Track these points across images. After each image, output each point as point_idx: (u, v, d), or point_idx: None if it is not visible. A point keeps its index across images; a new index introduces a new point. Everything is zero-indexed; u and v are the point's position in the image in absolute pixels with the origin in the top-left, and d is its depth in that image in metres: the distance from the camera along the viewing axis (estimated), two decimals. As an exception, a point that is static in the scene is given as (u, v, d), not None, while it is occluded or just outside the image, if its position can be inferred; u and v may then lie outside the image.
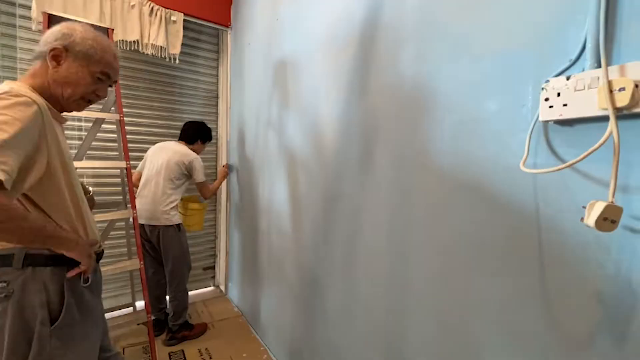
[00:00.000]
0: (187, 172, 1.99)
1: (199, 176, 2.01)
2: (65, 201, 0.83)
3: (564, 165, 0.62)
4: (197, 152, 2.09)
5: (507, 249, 0.76)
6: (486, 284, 0.80)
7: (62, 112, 0.90)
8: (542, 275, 0.69)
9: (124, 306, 2.14)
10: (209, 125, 2.66)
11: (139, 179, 2.02)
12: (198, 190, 2.09)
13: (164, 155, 1.97)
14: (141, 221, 1.92)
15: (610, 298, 0.60)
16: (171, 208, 1.93)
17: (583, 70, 0.61)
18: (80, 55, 0.85)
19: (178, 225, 1.97)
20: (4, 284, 0.75)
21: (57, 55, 0.83)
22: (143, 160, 2.06)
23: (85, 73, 0.86)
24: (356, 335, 1.22)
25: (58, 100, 0.86)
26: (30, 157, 0.72)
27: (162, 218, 1.90)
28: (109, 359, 1.02)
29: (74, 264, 0.84)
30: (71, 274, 0.83)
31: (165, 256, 1.95)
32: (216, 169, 2.67)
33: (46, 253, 0.80)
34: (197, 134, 2.11)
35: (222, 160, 2.61)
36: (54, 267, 0.80)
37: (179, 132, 2.47)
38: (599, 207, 0.53)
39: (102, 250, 0.98)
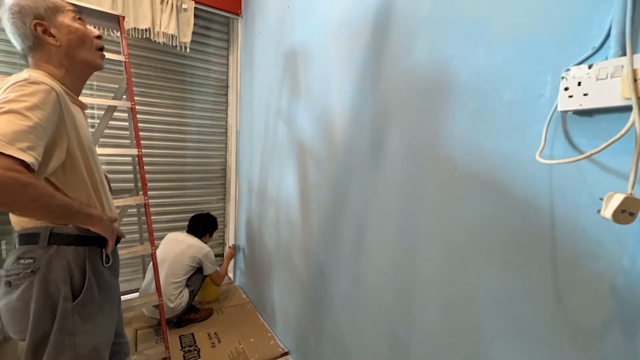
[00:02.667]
0: (198, 265, 2.04)
1: (211, 267, 2.10)
2: (85, 184, 0.85)
3: (582, 156, 0.61)
4: (206, 243, 2.17)
5: (519, 242, 0.75)
6: (496, 277, 0.80)
7: (80, 94, 0.92)
8: (554, 268, 0.69)
9: (135, 290, 2.21)
10: (219, 115, 2.67)
11: None
12: (210, 280, 2.17)
13: (176, 247, 2.02)
14: None
15: (624, 292, 0.59)
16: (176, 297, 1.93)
17: (606, 58, 0.59)
18: (49, 12, 0.82)
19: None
20: (31, 260, 0.78)
21: (44, 28, 0.81)
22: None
23: (70, 22, 0.84)
24: (362, 324, 1.24)
25: (82, 71, 0.88)
26: (52, 142, 0.74)
27: (167, 301, 1.87)
28: (121, 344, 1.05)
29: (95, 244, 0.87)
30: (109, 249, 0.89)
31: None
32: (225, 158, 2.69)
33: (69, 232, 0.83)
34: (205, 228, 2.24)
35: (232, 151, 2.63)
36: (76, 247, 0.83)
37: (188, 121, 2.49)
38: (617, 199, 0.52)
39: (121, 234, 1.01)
